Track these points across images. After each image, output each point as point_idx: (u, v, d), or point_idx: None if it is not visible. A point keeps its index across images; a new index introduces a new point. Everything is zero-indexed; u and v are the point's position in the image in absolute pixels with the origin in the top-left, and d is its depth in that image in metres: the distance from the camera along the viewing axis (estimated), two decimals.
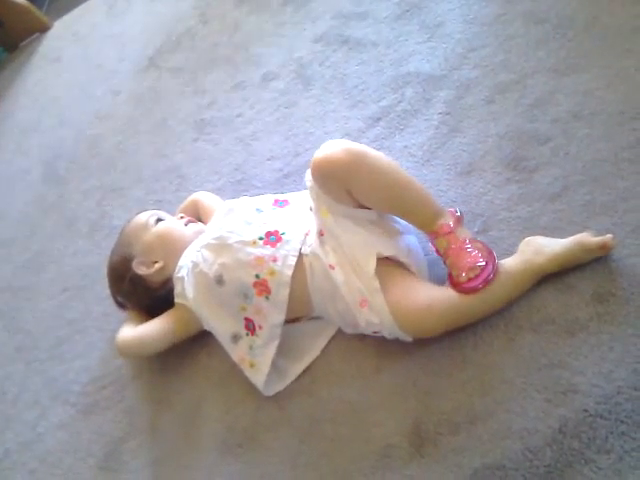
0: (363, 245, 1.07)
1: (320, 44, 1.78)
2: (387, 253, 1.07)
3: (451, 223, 1.05)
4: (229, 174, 1.64)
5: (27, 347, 1.60)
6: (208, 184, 1.65)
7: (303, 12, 1.92)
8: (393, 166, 1.08)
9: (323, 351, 1.18)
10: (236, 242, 1.16)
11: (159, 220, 1.36)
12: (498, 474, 0.92)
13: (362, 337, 1.14)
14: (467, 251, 1.03)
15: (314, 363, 1.18)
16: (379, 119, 1.49)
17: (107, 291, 1.42)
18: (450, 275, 1.06)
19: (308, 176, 1.09)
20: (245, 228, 1.19)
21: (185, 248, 1.26)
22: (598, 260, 1.03)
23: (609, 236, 1.00)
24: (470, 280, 1.01)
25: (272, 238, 1.15)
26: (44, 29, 2.90)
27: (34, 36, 2.94)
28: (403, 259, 1.08)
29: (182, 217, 1.38)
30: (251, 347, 1.17)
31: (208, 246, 1.20)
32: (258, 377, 1.16)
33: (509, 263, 1.04)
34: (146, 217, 1.36)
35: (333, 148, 1.03)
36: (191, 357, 1.32)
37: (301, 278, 1.13)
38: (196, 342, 1.31)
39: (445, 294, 1.04)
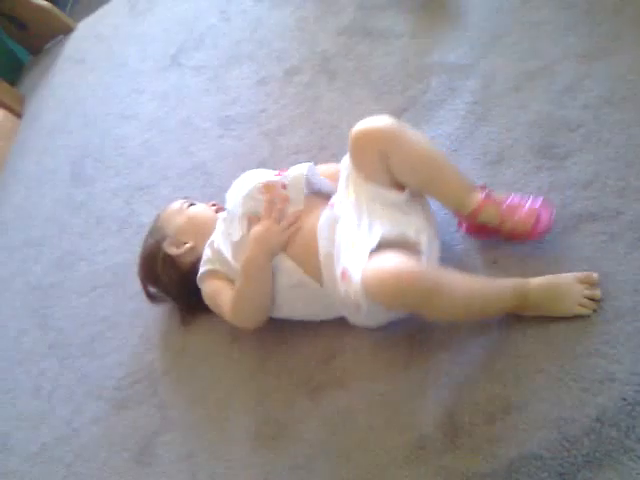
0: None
1: (343, 37, 1.77)
2: (394, 233, 1.05)
3: (486, 191, 1.09)
4: (255, 169, 1.64)
5: (60, 344, 1.63)
6: (234, 180, 1.65)
7: (325, 5, 1.91)
8: (430, 142, 1.15)
9: (352, 345, 1.18)
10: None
11: (191, 205, 1.42)
12: (535, 464, 0.91)
13: (392, 331, 1.14)
14: (517, 203, 1.07)
15: (343, 357, 1.18)
16: (405, 110, 1.48)
17: (138, 288, 1.44)
18: (516, 235, 1.07)
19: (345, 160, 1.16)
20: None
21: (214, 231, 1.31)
22: (634, 248, 1.02)
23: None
24: (535, 225, 1.04)
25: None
26: (68, 31, 2.93)
27: (58, 38, 2.97)
28: (411, 239, 1.05)
29: (214, 205, 1.42)
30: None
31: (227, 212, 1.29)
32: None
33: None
34: (180, 203, 1.42)
35: (374, 119, 1.09)
36: (222, 352, 1.33)
37: (312, 218, 1.17)
38: (227, 337, 1.32)
39: (433, 271, 1.02)
